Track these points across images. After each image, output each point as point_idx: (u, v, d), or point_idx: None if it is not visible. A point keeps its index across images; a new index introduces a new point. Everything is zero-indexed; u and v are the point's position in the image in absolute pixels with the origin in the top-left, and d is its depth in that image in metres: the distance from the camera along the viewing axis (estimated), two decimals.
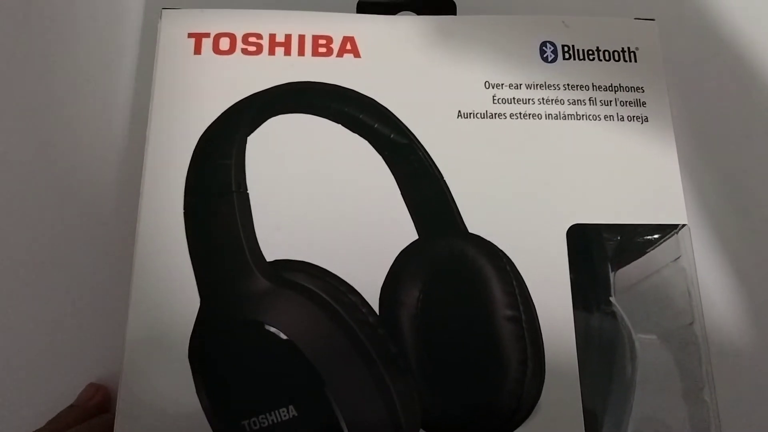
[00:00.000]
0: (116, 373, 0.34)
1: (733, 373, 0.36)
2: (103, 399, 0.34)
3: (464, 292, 0.31)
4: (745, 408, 0.36)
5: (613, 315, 0.34)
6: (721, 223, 0.40)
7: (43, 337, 0.36)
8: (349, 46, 0.34)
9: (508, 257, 0.31)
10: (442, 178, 0.32)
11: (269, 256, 0.30)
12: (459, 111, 0.33)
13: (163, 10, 0.34)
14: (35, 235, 0.37)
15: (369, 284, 0.30)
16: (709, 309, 0.35)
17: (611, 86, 0.34)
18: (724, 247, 0.39)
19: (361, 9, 0.38)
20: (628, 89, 0.34)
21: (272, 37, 0.34)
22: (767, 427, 0.36)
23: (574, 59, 0.35)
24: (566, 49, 0.35)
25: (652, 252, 0.35)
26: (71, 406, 0.34)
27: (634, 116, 0.34)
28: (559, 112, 0.34)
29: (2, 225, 0.38)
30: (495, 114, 0.33)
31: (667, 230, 0.33)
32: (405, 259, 0.31)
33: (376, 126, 0.32)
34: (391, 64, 0.34)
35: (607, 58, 0.35)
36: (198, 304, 0.29)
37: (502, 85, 0.34)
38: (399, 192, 0.32)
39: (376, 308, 0.30)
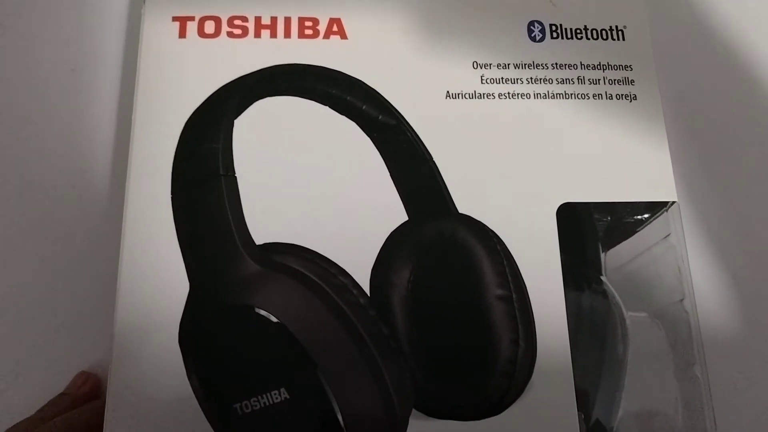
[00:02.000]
0: (106, 361, 0.34)
1: (722, 349, 0.36)
2: (93, 387, 0.34)
3: (455, 272, 0.31)
4: (735, 383, 0.36)
5: (604, 294, 0.34)
6: (707, 200, 0.40)
7: (33, 326, 0.36)
8: (335, 28, 0.34)
9: (498, 237, 0.31)
10: (432, 158, 0.32)
11: (258, 239, 0.30)
12: (447, 91, 0.33)
13: None
14: (22, 223, 0.37)
15: (359, 266, 0.30)
16: (698, 285, 0.35)
17: (599, 65, 0.34)
18: (711, 223, 0.39)
19: None
20: (617, 68, 0.34)
21: (258, 19, 0.34)
22: (758, 401, 0.37)
23: (562, 38, 0.35)
24: (554, 28, 0.35)
25: (642, 231, 0.35)
26: (62, 394, 0.34)
27: (622, 94, 0.34)
28: (548, 92, 0.34)
29: None
30: (483, 94, 0.33)
31: (656, 208, 0.33)
32: (395, 240, 0.31)
33: (364, 107, 0.32)
34: (379, 45, 0.34)
35: (595, 36, 0.35)
36: (187, 289, 0.29)
37: (490, 65, 0.34)
38: (388, 173, 0.32)
39: (367, 290, 0.30)
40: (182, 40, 0.33)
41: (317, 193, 0.31)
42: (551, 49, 0.34)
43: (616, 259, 0.36)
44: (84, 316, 0.36)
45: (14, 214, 0.37)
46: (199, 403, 0.28)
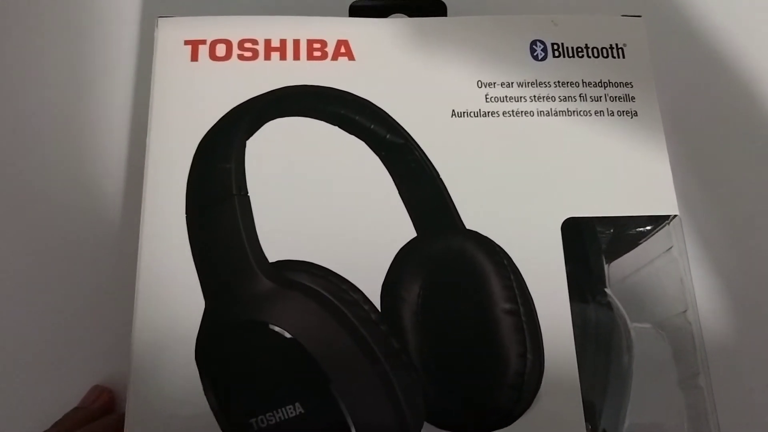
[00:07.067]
0: (121, 375, 0.35)
1: (725, 359, 0.37)
2: (108, 401, 0.35)
3: (463, 287, 0.31)
4: (738, 392, 0.37)
5: (609, 306, 0.35)
6: (708, 213, 0.40)
7: (48, 340, 0.36)
8: (343, 50, 0.34)
9: (505, 252, 0.31)
10: (439, 176, 0.32)
11: (272, 257, 0.30)
12: (453, 110, 0.34)
13: (159, 18, 0.34)
14: (41, 238, 0.38)
15: (370, 282, 0.30)
16: (700, 297, 0.36)
17: (600, 82, 0.35)
18: (712, 236, 0.40)
19: (354, 12, 0.39)
20: (617, 85, 0.35)
21: (267, 42, 0.34)
22: (761, 410, 0.37)
23: (564, 57, 0.35)
24: (556, 47, 0.36)
25: (644, 243, 0.35)
26: (76, 408, 0.34)
27: (623, 111, 0.35)
28: (551, 109, 0.34)
29: (8, 229, 0.38)
30: (488, 112, 0.34)
31: (659, 221, 0.34)
32: (405, 257, 0.31)
33: (372, 127, 0.33)
34: (385, 65, 0.34)
35: (595, 54, 0.36)
36: (203, 306, 0.29)
37: (495, 83, 0.35)
38: (397, 191, 0.32)
39: (378, 305, 0.30)
40: (194, 63, 0.34)
41: (328, 211, 0.32)
42: (554, 68, 0.35)
43: (619, 271, 0.36)
44: (98, 330, 0.36)
45: (31, 231, 0.38)
46: (216, 419, 0.28)
